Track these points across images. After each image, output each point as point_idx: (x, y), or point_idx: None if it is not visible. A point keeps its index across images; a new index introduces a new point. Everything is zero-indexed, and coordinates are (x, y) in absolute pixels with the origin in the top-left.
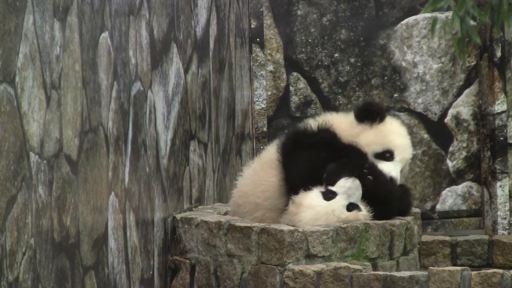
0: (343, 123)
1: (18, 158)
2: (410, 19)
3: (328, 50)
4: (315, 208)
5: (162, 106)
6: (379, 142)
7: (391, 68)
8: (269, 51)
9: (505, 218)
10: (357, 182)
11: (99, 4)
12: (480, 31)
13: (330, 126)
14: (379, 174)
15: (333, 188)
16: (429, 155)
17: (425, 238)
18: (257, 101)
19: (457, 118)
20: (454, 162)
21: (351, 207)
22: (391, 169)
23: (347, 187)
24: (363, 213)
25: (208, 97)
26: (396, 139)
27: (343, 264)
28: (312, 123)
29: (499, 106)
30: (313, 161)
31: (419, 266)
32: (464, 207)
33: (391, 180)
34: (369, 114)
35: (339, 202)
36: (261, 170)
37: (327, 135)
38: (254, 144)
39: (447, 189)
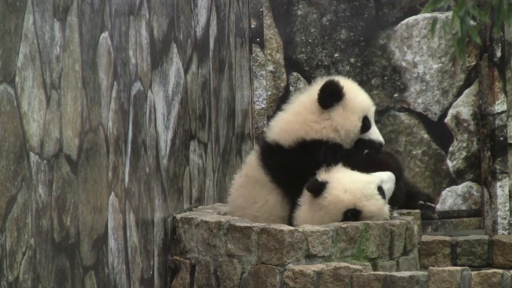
0: (310, 121)
1: (18, 158)
2: (410, 19)
3: (328, 50)
4: (351, 174)
5: (162, 106)
6: (357, 116)
7: (391, 68)
8: (269, 51)
9: (505, 218)
10: (393, 177)
11: (99, 4)
12: (480, 31)
13: (305, 138)
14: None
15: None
16: (429, 155)
17: (425, 238)
18: (257, 101)
19: (457, 118)
20: (454, 162)
21: (379, 191)
22: (377, 134)
23: (384, 174)
24: (386, 206)
25: (208, 97)
26: (363, 102)
27: (343, 264)
28: (282, 135)
29: (499, 106)
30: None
31: (419, 266)
32: (464, 207)
33: (381, 145)
34: (334, 95)
35: (375, 179)
36: (252, 188)
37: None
38: (254, 144)
39: (447, 189)
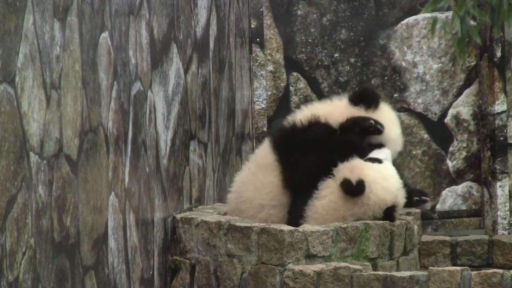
0: (334, 109)
1: (18, 158)
2: (410, 19)
3: (328, 50)
4: (376, 167)
5: (162, 106)
6: None
7: (391, 68)
8: (269, 51)
9: (505, 218)
10: (389, 151)
11: (99, 4)
12: (480, 31)
13: (319, 117)
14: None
15: (373, 156)
16: (429, 155)
17: (425, 238)
18: (257, 101)
19: (457, 118)
20: (454, 162)
21: None
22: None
23: (386, 153)
24: None
25: (208, 97)
26: (391, 131)
27: (343, 264)
28: (301, 117)
29: (499, 106)
30: (313, 156)
31: (419, 266)
32: (464, 207)
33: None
34: (364, 98)
35: (392, 168)
36: (262, 174)
37: (320, 127)
38: (254, 144)
39: (447, 189)
